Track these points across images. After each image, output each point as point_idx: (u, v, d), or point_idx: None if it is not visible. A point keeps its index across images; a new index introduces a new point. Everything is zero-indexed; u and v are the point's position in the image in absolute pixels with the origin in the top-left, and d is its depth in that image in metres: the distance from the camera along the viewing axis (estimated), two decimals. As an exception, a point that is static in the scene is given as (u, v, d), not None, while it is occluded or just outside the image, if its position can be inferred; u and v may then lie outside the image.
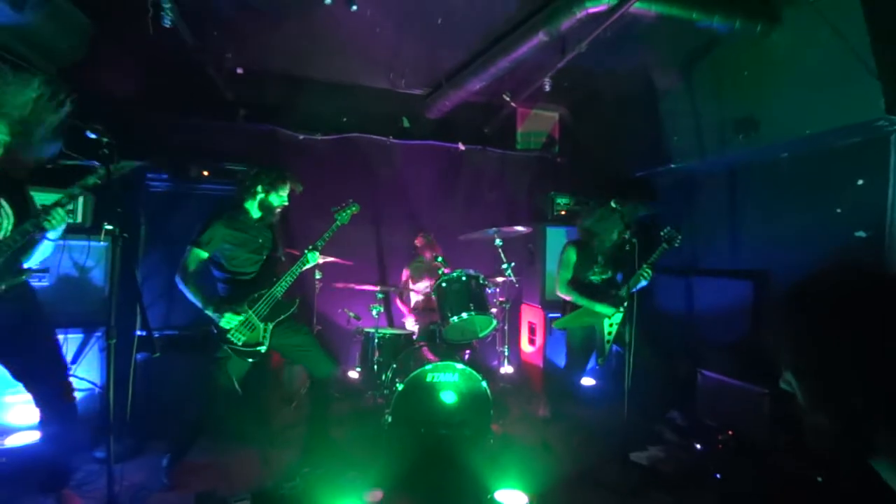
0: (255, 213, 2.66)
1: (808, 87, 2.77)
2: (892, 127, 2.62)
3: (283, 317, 2.65)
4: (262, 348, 2.59)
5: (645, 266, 2.99)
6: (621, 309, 3.13)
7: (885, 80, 2.40)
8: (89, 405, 2.92)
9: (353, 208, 2.92)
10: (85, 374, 2.93)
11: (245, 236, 2.61)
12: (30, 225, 1.99)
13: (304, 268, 2.74)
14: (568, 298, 3.29)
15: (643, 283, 3.04)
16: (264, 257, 2.69)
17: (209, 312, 2.47)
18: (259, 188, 2.61)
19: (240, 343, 2.53)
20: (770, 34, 2.78)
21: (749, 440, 2.96)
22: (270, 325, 2.61)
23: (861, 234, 2.93)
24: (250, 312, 2.55)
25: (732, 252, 3.80)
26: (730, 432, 3.08)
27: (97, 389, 2.96)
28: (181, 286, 2.46)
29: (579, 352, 3.39)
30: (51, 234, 2.10)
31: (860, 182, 2.93)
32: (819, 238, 3.17)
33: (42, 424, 2.21)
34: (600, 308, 3.14)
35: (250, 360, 2.60)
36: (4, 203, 2.01)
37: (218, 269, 2.62)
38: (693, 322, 4.04)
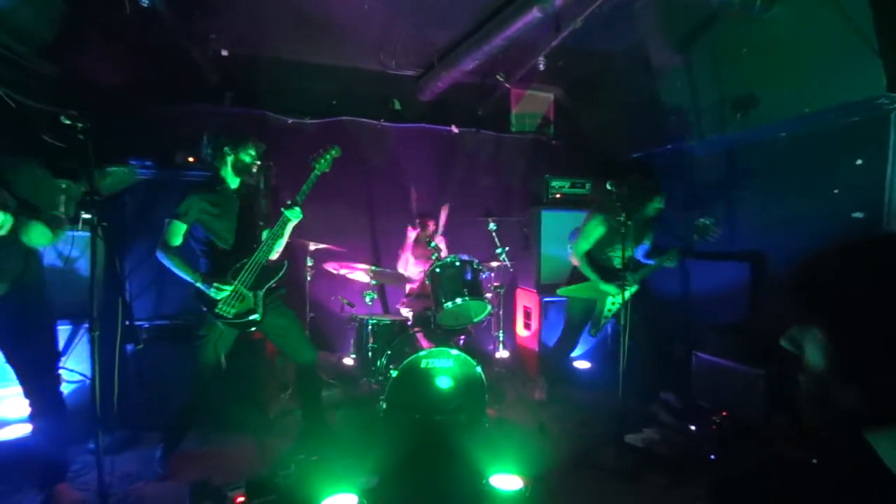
0: (234, 181, 2.57)
1: (807, 64, 2.69)
2: (893, 105, 2.57)
3: (272, 281, 2.59)
4: (257, 316, 2.54)
5: (671, 254, 3.02)
6: (626, 291, 3.13)
7: (887, 57, 2.34)
8: (81, 397, 2.89)
9: (333, 152, 2.65)
10: (75, 366, 2.89)
11: (223, 206, 2.54)
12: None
13: (287, 227, 2.61)
14: (576, 264, 3.29)
15: (668, 264, 3.08)
16: (240, 226, 2.60)
17: (199, 285, 2.43)
18: (226, 149, 2.51)
19: (231, 315, 2.49)
20: (770, 9, 2.69)
21: (743, 421, 2.97)
22: (261, 293, 2.56)
23: (858, 214, 2.90)
24: (236, 283, 2.50)
25: (729, 233, 3.76)
26: (724, 413, 3.10)
27: (88, 381, 2.93)
28: (163, 260, 2.44)
29: (577, 322, 3.43)
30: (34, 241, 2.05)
31: (859, 162, 2.88)
32: (816, 219, 3.13)
33: (32, 417, 2.19)
34: (605, 287, 3.18)
35: (251, 329, 2.57)
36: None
37: (198, 241, 2.57)
38: (688, 304, 4.03)
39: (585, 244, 3.24)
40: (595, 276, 3.20)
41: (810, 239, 3.16)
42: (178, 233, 2.46)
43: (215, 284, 2.43)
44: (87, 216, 1.84)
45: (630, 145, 4.38)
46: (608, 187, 3.17)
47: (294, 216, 2.60)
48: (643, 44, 3.64)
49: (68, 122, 1.93)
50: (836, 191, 3.03)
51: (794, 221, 3.29)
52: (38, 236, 2.02)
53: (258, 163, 2.58)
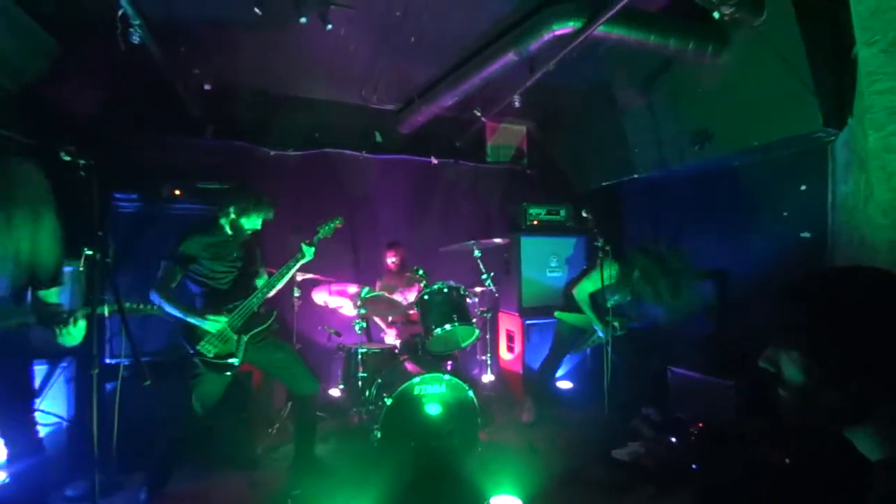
0: (228, 231, 2.64)
1: (754, 102, 3.02)
2: (829, 138, 2.91)
3: (258, 329, 2.61)
4: (236, 361, 2.53)
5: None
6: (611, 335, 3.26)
7: (822, 96, 2.68)
8: (56, 440, 2.75)
9: (337, 222, 2.90)
10: (50, 407, 2.76)
11: (220, 249, 2.59)
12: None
13: (299, 264, 2.73)
14: (578, 301, 3.39)
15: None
16: (238, 272, 2.66)
17: (193, 320, 2.43)
18: (231, 209, 2.60)
19: (211, 355, 2.47)
20: (720, 54, 3.03)
21: (718, 430, 3.15)
22: (245, 338, 2.57)
23: (806, 234, 3.22)
24: (223, 322, 2.50)
25: (694, 254, 4.03)
26: (700, 424, 3.27)
27: (64, 423, 2.79)
28: (158, 301, 2.41)
29: (565, 340, 3.59)
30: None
31: (803, 187, 3.23)
32: (770, 239, 3.45)
33: (9, 462, 2.07)
34: (599, 328, 3.36)
35: (227, 373, 2.54)
36: None
37: (195, 283, 2.58)
38: (661, 321, 4.24)
39: (591, 286, 3.34)
40: (594, 318, 3.36)
41: (766, 256, 3.46)
42: (174, 275, 2.47)
43: (209, 317, 2.44)
44: (90, 252, 1.83)
45: (598, 175, 4.67)
46: (583, 214, 3.41)
47: (309, 254, 2.73)
48: (609, 82, 3.96)
49: (68, 158, 1.93)
50: (785, 213, 3.36)
51: (751, 241, 3.60)
52: None
53: (257, 229, 2.68)
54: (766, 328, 0.92)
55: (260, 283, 2.74)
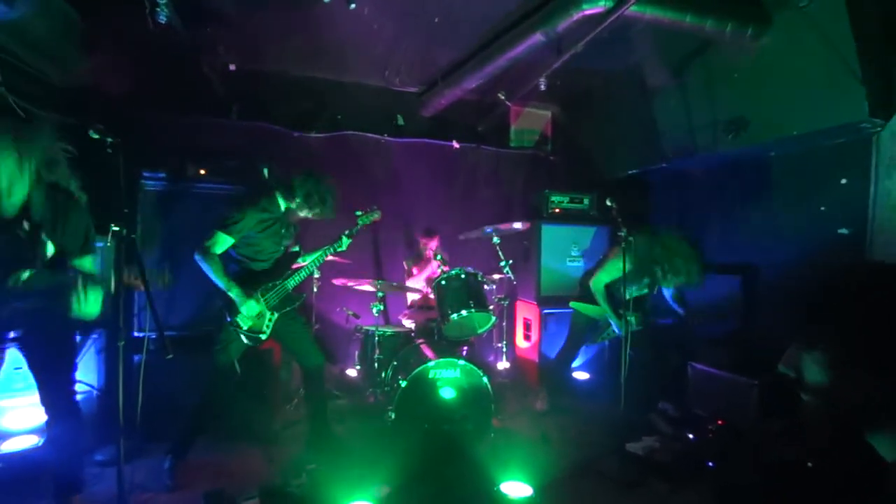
0: (283, 207, 2.71)
1: (796, 89, 2.87)
2: (875, 129, 2.74)
3: (289, 308, 2.72)
4: (264, 336, 2.65)
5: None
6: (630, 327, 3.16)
7: (870, 85, 2.51)
8: (87, 408, 2.89)
9: (375, 215, 3.03)
10: (82, 377, 2.88)
11: (272, 226, 2.65)
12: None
13: (334, 252, 2.82)
14: (595, 294, 3.32)
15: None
16: (283, 248, 2.75)
17: (232, 294, 2.51)
18: (298, 198, 2.64)
19: (245, 327, 2.60)
20: (761, 37, 2.87)
21: (737, 429, 3.08)
22: (276, 315, 2.68)
23: (844, 230, 3.06)
24: (262, 301, 2.62)
25: (722, 247, 3.91)
26: (720, 422, 3.20)
27: (95, 392, 2.93)
28: (202, 264, 2.48)
29: (581, 332, 3.55)
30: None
31: (843, 181, 3.06)
32: (804, 234, 3.30)
33: (49, 425, 2.17)
34: (614, 321, 3.30)
35: (248, 343, 2.66)
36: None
37: (236, 251, 2.64)
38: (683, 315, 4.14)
39: (606, 277, 3.29)
40: (609, 311, 3.29)
41: (799, 253, 3.31)
42: (223, 244, 2.52)
43: (251, 301, 2.55)
44: (116, 228, 1.88)
45: (626, 162, 4.54)
46: (607, 203, 3.31)
47: (345, 245, 2.85)
48: (639, 66, 3.81)
49: (97, 136, 1.97)
50: (822, 208, 3.20)
51: (783, 236, 3.45)
52: None
53: (309, 217, 2.73)
54: (793, 326, 0.88)
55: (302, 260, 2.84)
